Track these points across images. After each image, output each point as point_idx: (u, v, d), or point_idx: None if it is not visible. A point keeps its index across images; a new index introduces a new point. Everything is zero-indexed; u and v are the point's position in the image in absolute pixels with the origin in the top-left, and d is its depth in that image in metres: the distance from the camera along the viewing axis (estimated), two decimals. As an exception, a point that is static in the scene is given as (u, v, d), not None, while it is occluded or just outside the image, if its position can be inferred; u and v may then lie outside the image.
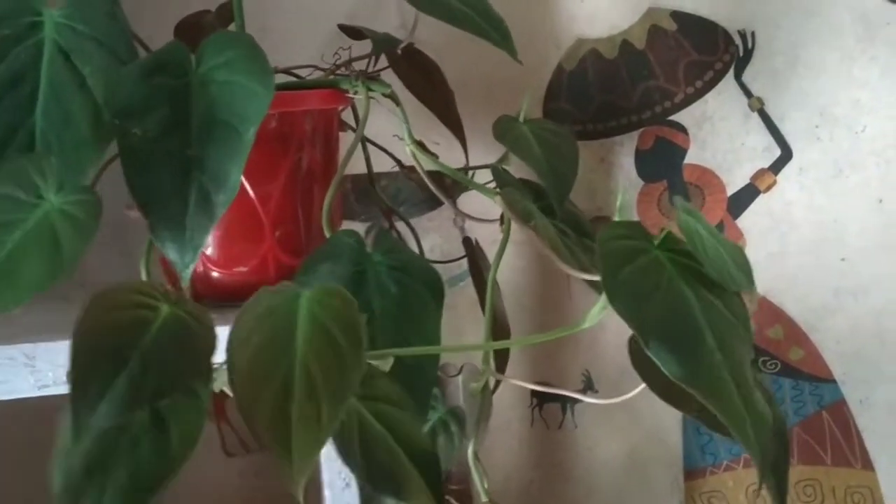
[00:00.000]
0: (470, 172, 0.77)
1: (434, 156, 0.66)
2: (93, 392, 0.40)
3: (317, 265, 0.58)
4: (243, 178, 0.61)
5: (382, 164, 0.76)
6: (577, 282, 0.89)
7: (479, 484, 0.63)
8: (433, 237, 0.92)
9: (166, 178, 0.50)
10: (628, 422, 0.93)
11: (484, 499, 0.64)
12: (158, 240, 0.49)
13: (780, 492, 0.50)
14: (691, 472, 0.93)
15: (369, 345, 0.53)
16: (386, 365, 0.52)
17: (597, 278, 0.60)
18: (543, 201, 0.67)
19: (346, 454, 0.46)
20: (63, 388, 0.59)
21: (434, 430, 0.63)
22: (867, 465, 0.90)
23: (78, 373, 0.40)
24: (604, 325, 0.93)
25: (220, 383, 0.52)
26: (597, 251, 0.48)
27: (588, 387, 0.93)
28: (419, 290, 0.60)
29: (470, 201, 0.88)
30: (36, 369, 0.59)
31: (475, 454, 0.63)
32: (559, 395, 0.94)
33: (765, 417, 0.46)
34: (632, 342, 0.51)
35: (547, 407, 0.94)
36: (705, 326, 0.47)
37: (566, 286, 0.91)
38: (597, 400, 0.65)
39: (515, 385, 0.95)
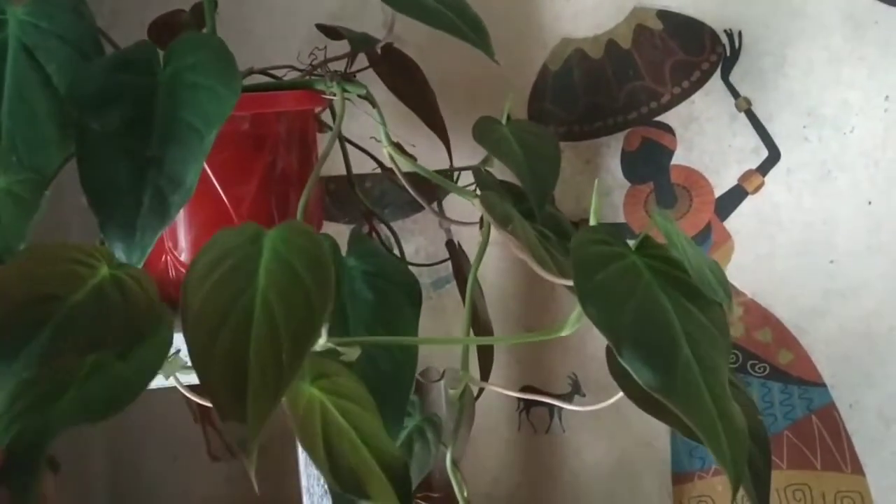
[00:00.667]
0: (455, 174, 0.76)
1: (412, 158, 0.65)
2: (12, 342, 0.38)
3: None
4: (215, 181, 0.61)
5: (365, 166, 0.75)
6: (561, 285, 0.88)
7: (458, 492, 0.62)
8: (418, 239, 0.91)
9: (122, 176, 0.48)
10: (616, 426, 0.92)
11: (463, 506, 0.62)
12: (108, 238, 0.48)
13: (760, 502, 0.49)
14: (680, 477, 0.91)
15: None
16: (353, 354, 0.49)
17: (568, 283, 0.59)
18: (524, 204, 0.66)
19: (307, 444, 0.45)
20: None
21: (410, 438, 0.62)
22: (857, 469, 0.89)
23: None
24: (591, 328, 0.92)
25: (169, 372, 0.50)
26: (571, 256, 0.47)
27: (575, 390, 0.92)
28: (395, 295, 0.59)
29: (455, 203, 0.88)
30: None
31: (454, 462, 0.62)
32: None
33: (740, 429, 0.45)
34: (609, 349, 0.50)
35: (534, 411, 0.93)
36: (681, 334, 0.46)
37: (550, 289, 0.90)
38: (580, 407, 0.64)
39: (505, 384, 0.94)
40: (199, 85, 0.51)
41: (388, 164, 0.77)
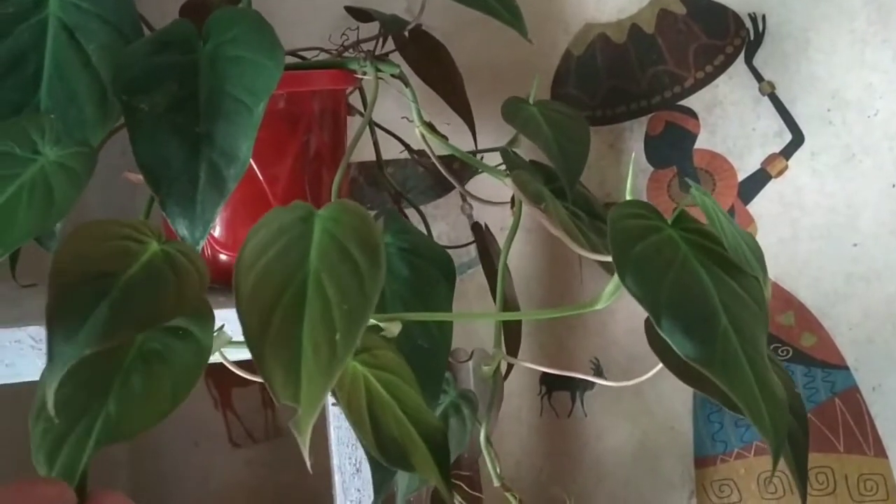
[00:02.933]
0: (479, 156, 0.77)
1: (444, 138, 0.65)
2: (71, 317, 0.38)
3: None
4: (251, 159, 0.62)
5: (389, 151, 0.75)
6: (588, 267, 0.89)
7: (491, 468, 0.62)
8: (440, 224, 0.91)
9: (175, 153, 0.49)
10: (638, 410, 0.92)
11: (496, 483, 0.63)
12: (169, 215, 0.49)
13: (801, 475, 0.49)
14: (702, 460, 0.92)
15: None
16: (394, 329, 0.50)
17: (609, 259, 0.59)
18: (554, 184, 0.67)
19: (353, 418, 0.45)
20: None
21: (446, 414, 0.62)
22: (880, 452, 0.89)
23: (56, 298, 0.38)
24: (613, 312, 0.93)
25: (215, 347, 0.51)
26: (608, 229, 0.47)
27: (597, 374, 0.93)
28: (430, 272, 0.59)
29: (477, 187, 0.88)
30: (43, 352, 0.58)
31: (487, 438, 0.62)
32: (568, 384, 0.94)
33: (780, 400, 0.45)
34: (648, 322, 0.50)
35: (556, 395, 0.94)
36: (720, 306, 0.46)
37: (577, 271, 0.90)
38: (610, 383, 0.65)
39: (524, 373, 0.95)
40: (241, 58, 0.51)
41: (416, 146, 0.78)
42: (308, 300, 0.37)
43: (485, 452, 0.62)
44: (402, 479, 0.62)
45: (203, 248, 0.63)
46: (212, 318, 0.44)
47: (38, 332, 0.58)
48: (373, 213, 0.87)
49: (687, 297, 0.45)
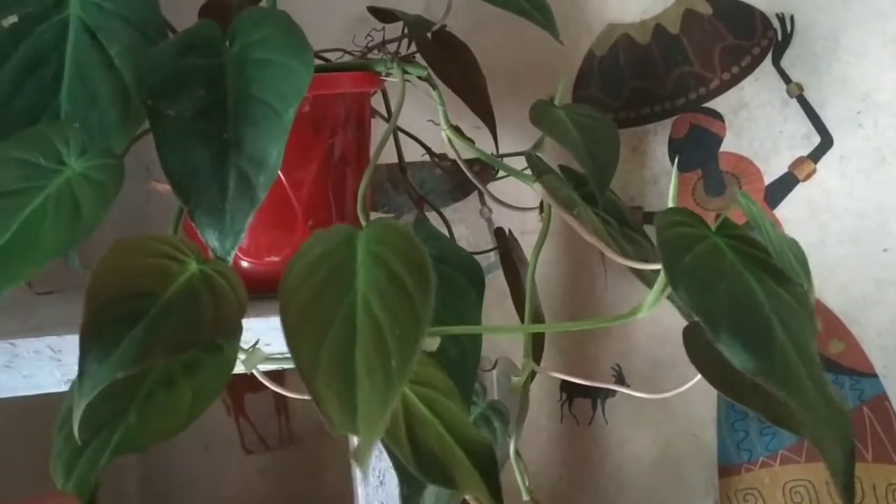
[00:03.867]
0: (502, 160, 0.75)
1: (471, 141, 0.64)
2: (106, 338, 0.37)
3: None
4: None
5: (406, 154, 0.74)
6: (612, 273, 0.87)
7: (520, 481, 0.61)
8: (459, 228, 0.89)
9: (203, 161, 0.47)
10: (661, 418, 0.91)
11: (525, 497, 0.61)
12: (198, 226, 0.46)
13: (848, 492, 0.48)
14: (726, 469, 0.90)
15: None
16: (433, 344, 0.49)
17: (646, 267, 0.58)
18: (583, 189, 0.65)
19: (390, 435, 0.44)
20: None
21: (476, 426, 0.61)
22: (908, 460, 0.88)
23: (91, 317, 0.37)
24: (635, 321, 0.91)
25: (251, 364, 0.49)
26: (656, 238, 0.46)
27: (619, 381, 0.91)
28: (459, 281, 0.58)
29: (495, 192, 0.86)
30: (62, 363, 0.57)
31: (517, 451, 0.61)
32: (589, 391, 0.92)
33: (843, 411, 0.44)
34: (687, 332, 0.49)
35: (576, 403, 0.92)
36: (772, 316, 0.45)
37: (599, 277, 0.89)
38: (641, 394, 0.63)
39: (545, 380, 0.93)
40: (269, 61, 0.49)
41: (439, 149, 0.76)
42: (358, 326, 0.36)
43: (514, 465, 0.61)
44: (429, 495, 0.60)
45: None
46: (240, 333, 0.43)
47: (58, 342, 0.56)
48: (391, 215, 0.86)
49: (741, 307, 0.44)
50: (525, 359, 0.61)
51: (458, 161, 0.65)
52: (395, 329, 0.36)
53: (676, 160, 0.46)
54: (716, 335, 0.42)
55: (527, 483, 0.61)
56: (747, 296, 0.45)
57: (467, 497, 0.65)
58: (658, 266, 0.57)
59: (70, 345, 0.57)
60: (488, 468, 0.46)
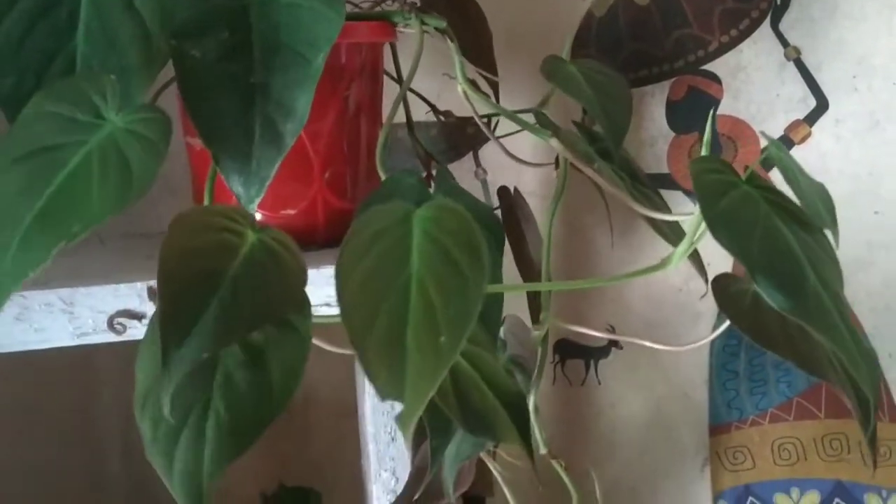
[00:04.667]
0: (494, 120, 0.75)
1: (486, 96, 0.63)
2: (183, 320, 0.37)
3: (380, 204, 0.55)
4: None
5: (400, 113, 0.73)
6: (608, 236, 0.87)
7: (539, 436, 0.61)
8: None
9: (229, 105, 0.46)
10: (653, 378, 0.92)
11: (543, 450, 0.62)
12: (223, 171, 0.46)
13: (872, 434, 0.49)
14: (716, 428, 0.92)
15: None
16: None
17: (669, 217, 0.59)
18: (596, 145, 0.65)
19: (438, 392, 0.44)
20: (104, 336, 0.56)
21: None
22: (894, 417, 0.90)
23: (167, 301, 0.37)
24: (629, 281, 0.92)
25: None
26: (693, 182, 0.46)
27: (612, 343, 0.92)
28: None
29: (490, 153, 0.86)
30: (75, 316, 0.55)
31: (536, 406, 0.61)
32: (582, 352, 0.93)
33: (871, 351, 0.46)
34: (717, 282, 0.49)
35: (570, 364, 0.93)
36: (805, 261, 0.46)
37: (594, 242, 0.89)
38: (648, 343, 0.63)
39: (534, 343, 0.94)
40: (298, 5, 0.48)
41: (446, 107, 0.76)
42: (412, 304, 0.37)
43: (533, 420, 0.61)
44: (450, 449, 0.60)
45: None
46: (309, 306, 0.42)
47: (70, 294, 0.55)
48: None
49: (777, 251, 0.45)
50: (544, 313, 0.61)
51: (476, 117, 0.64)
52: (447, 308, 0.36)
53: (712, 113, 0.47)
54: (754, 277, 0.43)
55: (544, 437, 0.61)
56: (781, 241, 0.45)
57: (482, 455, 0.65)
58: (678, 217, 0.58)
59: (82, 297, 0.55)
60: (523, 420, 0.46)
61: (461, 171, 0.90)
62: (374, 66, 0.64)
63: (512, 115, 0.64)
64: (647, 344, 0.62)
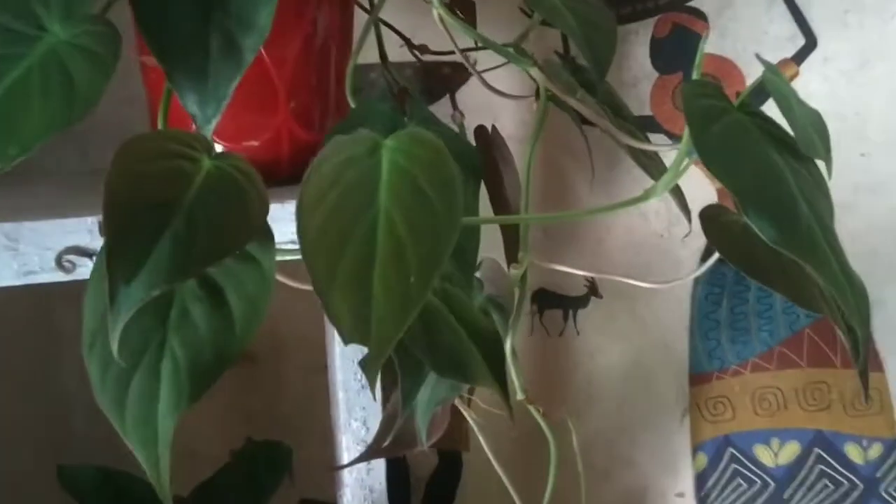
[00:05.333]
0: (472, 57, 0.71)
1: (465, 22, 0.59)
2: (132, 256, 0.34)
3: (349, 131, 0.52)
4: None
5: (371, 55, 0.69)
6: (588, 180, 0.85)
7: (516, 380, 0.58)
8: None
9: (184, 17, 0.43)
10: (632, 328, 0.90)
11: (520, 396, 0.59)
12: (178, 89, 0.42)
13: (864, 368, 0.47)
14: (696, 378, 0.91)
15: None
16: None
17: (653, 148, 0.56)
18: (578, 77, 0.62)
19: (408, 334, 0.41)
20: (52, 276, 0.52)
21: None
22: (877, 366, 0.89)
23: (114, 233, 0.34)
24: (609, 227, 0.90)
25: None
26: (683, 106, 0.43)
27: (592, 292, 0.90)
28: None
29: (467, 95, 0.83)
30: (19, 253, 0.51)
31: (513, 349, 0.58)
32: (561, 302, 0.91)
33: (861, 285, 0.44)
34: (705, 213, 0.47)
35: (548, 314, 0.91)
36: (797, 192, 0.44)
37: (575, 187, 0.87)
38: (645, 284, 0.61)
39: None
40: None
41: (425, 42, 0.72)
42: (379, 242, 0.35)
43: (510, 363, 0.58)
44: (423, 394, 0.57)
45: None
46: (272, 236, 0.39)
47: (14, 230, 0.51)
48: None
49: (768, 181, 0.43)
50: (523, 252, 0.58)
51: (454, 46, 0.60)
52: (417, 246, 0.35)
53: (705, 35, 0.44)
54: (745, 207, 0.41)
55: (522, 381, 0.59)
56: (773, 171, 0.44)
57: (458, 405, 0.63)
58: (661, 147, 0.55)
59: (28, 233, 0.51)
60: (498, 360, 0.44)
61: (437, 114, 0.86)
62: (344, -9, 0.60)
63: (493, 44, 0.60)
64: (629, 281, 0.59)
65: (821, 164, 0.48)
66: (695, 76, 0.47)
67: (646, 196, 0.49)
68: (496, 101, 0.64)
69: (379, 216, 0.35)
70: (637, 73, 0.84)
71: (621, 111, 0.64)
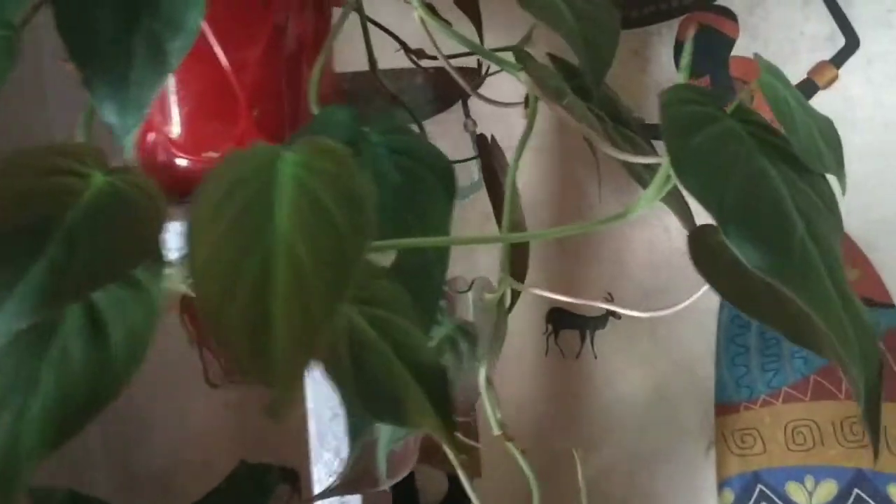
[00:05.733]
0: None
1: (447, 23, 0.55)
2: (1, 280, 0.30)
3: (239, 151, 0.48)
4: (214, 41, 0.52)
5: (383, 59, 0.65)
6: (606, 190, 0.79)
7: (491, 414, 0.53)
8: (442, 144, 0.81)
9: (108, 20, 0.40)
10: (654, 352, 0.84)
11: (496, 431, 0.54)
12: (95, 97, 0.40)
13: (873, 421, 0.40)
14: (723, 408, 0.84)
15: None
16: (385, 260, 0.42)
17: (642, 160, 0.50)
18: (574, 81, 0.57)
19: (331, 366, 0.37)
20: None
21: (440, 349, 0.53)
22: (925, 400, 0.81)
23: None
24: (628, 240, 0.84)
25: (179, 280, 0.42)
26: (659, 114, 0.38)
27: (610, 312, 0.85)
28: (426, 178, 0.50)
29: (479, 102, 0.79)
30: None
31: (488, 379, 0.53)
32: (577, 322, 0.86)
33: (867, 323, 0.38)
34: (693, 236, 0.41)
35: (563, 334, 0.86)
36: (793, 209, 0.38)
37: (592, 197, 0.81)
38: (638, 313, 0.56)
39: (528, 309, 0.87)
40: None
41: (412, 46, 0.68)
42: (278, 267, 0.31)
43: (484, 396, 0.53)
44: (385, 427, 0.53)
45: (156, 152, 0.54)
46: (162, 260, 0.35)
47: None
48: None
49: (757, 198, 0.38)
50: (502, 273, 0.53)
51: (436, 49, 0.56)
52: (318, 273, 0.31)
53: (691, 34, 0.39)
54: (724, 227, 0.36)
55: (498, 416, 0.53)
56: (765, 185, 0.38)
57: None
58: (656, 160, 0.49)
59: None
60: (439, 395, 0.39)
61: (449, 122, 0.83)
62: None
63: (477, 47, 0.56)
64: (622, 311, 0.53)
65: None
66: (681, 79, 0.41)
67: (625, 213, 0.43)
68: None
69: (276, 238, 0.31)
70: (660, 77, 0.79)
71: (622, 118, 0.58)
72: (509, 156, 0.70)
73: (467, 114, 0.86)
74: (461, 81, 0.57)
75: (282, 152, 0.33)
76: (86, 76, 0.39)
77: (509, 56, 0.58)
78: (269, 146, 0.33)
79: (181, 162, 0.54)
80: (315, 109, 0.52)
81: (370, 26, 0.63)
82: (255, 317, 0.30)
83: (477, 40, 0.66)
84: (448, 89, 0.86)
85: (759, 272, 0.34)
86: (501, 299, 0.53)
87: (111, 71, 0.39)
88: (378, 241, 0.45)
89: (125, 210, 0.34)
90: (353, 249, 0.31)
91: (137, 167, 0.37)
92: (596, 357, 0.85)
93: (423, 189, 0.49)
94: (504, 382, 0.85)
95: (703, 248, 0.40)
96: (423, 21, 0.55)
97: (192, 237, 0.31)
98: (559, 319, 0.86)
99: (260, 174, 0.32)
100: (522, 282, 0.63)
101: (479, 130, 0.82)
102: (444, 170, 0.51)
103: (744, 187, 0.36)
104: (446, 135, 0.82)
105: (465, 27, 0.65)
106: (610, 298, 0.84)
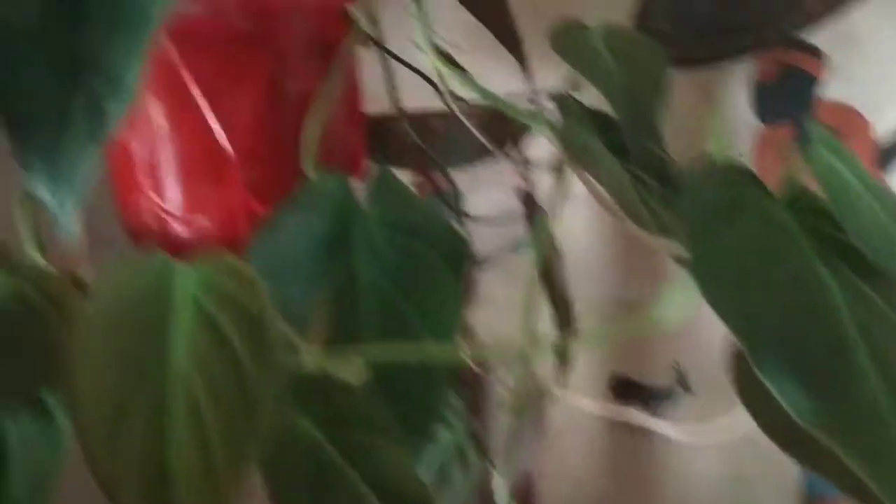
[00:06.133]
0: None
1: (461, 70, 0.49)
2: None
3: (286, 220, 0.44)
4: (201, 97, 0.48)
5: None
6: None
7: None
8: (493, 192, 0.77)
9: (45, 79, 0.36)
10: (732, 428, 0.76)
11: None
12: (29, 171, 0.35)
13: None
14: (813, 501, 0.76)
15: (348, 334, 0.39)
16: (354, 376, 0.36)
17: (675, 246, 0.42)
18: (612, 135, 0.50)
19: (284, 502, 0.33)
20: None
21: (445, 467, 0.47)
22: None
23: None
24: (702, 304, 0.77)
25: None
26: (681, 201, 0.31)
27: (680, 382, 0.77)
28: (429, 258, 0.44)
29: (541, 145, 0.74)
30: None
31: (511, 495, 0.46)
32: (639, 393, 0.80)
33: None
34: (734, 354, 0.33)
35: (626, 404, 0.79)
36: (856, 334, 0.30)
37: (654, 251, 0.74)
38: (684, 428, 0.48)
39: (588, 374, 0.80)
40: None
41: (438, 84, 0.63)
42: (172, 412, 0.28)
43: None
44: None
45: (147, 217, 0.51)
46: (53, 433, 0.32)
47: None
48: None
49: (804, 318, 0.30)
50: (523, 376, 0.45)
51: (447, 99, 0.50)
52: (218, 415, 0.28)
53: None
54: (757, 359, 0.28)
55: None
56: (816, 300, 0.31)
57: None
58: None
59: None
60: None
61: (503, 170, 0.78)
62: (327, 38, 0.51)
63: (489, 94, 0.49)
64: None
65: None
66: (713, 147, 0.33)
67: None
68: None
69: (169, 376, 0.28)
70: (735, 123, 0.71)
71: (671, 178, 0.51)
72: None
73: (519, 159, 0.80)
74: (477, 132, 0.52)
75: (176, 267, 0.28)
76: (17, 147, 0.34)
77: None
78: (159, 259, 0.28)
79: (179, 228, 0.51)
80: (310, 173, 0.47)
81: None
82: (149, 474, 0.26)
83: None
84: (498, 132, 0.81)
85: (801, 420, 0.27)
86: (523, 406, 0.46)
87: (45, 139, 0.35)
88: (362, 342, 0.40)
89: (29, 322, 0.30)
90: (258, 384, 0.27)
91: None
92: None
93: (424, 270, 0.44)
94: (562, 454, 0.80)
95: (742, 369, 0.32)
96: (438, 71, 0.50)
97: (71, 376, 0.27)
98: (620, 389, 0.79)
99: (151, 295, 0.28)
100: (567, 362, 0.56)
101: (530, 178, 0.76)
102: (452, 246, 0.45)
103: (786, 302, 0.29)
104: (501, 181, 0.77)
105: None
106: (679, 368, 0.77)
